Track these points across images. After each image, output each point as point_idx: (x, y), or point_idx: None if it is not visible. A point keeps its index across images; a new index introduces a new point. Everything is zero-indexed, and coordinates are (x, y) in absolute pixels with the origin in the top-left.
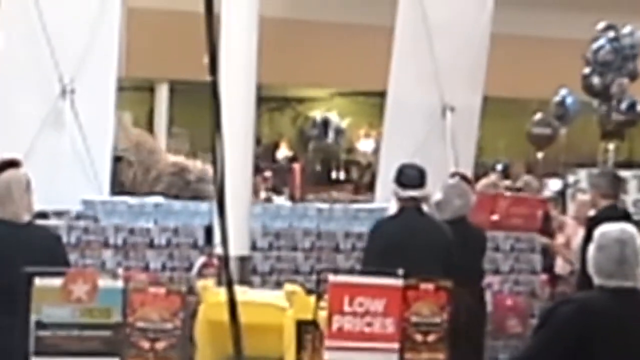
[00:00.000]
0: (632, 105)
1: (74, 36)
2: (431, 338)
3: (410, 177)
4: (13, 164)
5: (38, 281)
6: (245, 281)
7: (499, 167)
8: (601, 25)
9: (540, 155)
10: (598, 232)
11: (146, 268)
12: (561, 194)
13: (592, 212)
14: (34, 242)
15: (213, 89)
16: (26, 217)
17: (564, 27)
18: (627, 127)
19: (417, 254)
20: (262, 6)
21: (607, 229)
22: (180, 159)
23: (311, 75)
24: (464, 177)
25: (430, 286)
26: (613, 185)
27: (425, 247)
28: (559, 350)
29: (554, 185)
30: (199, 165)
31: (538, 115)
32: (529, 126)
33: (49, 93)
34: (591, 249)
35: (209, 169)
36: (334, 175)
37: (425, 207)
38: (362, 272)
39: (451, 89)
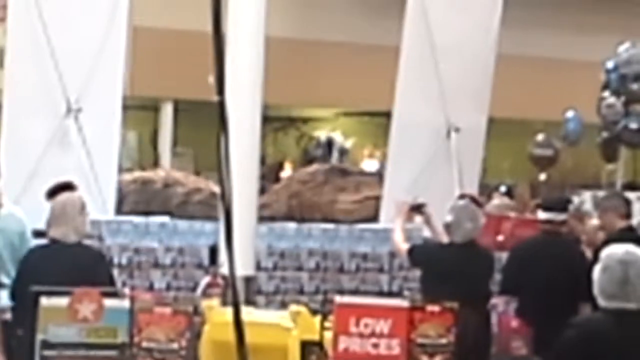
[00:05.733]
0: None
1: (80, 55)
2: (437, 359)
3: None
4: (68, 187)
5: (44, 300)
6: (250, 301)
7: (503, 188)
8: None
9: (542, 176)
10: (604, 253)
11: (151, 287)
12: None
13: (601, 235)
14: (75, 261)
15: (220, 109)
16: (73, 238)
17: (571, 49)
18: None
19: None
20: (268, 26)
21: (613, 250)
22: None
23: (316, 95)
24: (473, 199)
25: (436, 308)
26: (628, 205)
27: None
28: None
29: None
30: (161, 173)
31: (539, 136)
32: (530, 147)
33: (55, 112)
34: (596, 270)
35: (175, 175)
36: None
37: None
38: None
39: (457, 110)
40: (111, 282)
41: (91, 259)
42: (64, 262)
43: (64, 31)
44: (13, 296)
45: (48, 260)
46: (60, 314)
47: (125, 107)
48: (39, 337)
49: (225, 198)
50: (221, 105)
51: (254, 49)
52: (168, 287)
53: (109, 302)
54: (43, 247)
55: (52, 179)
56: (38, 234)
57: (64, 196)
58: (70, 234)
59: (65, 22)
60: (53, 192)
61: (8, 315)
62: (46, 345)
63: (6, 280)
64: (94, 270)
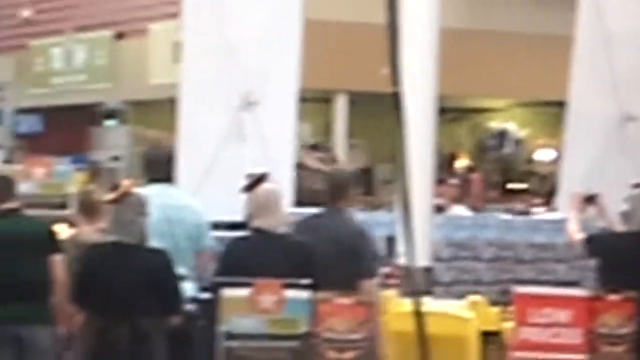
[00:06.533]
0: None
1: (255, 49)
2: (619, 349)
3: None
4: (264, 178)
5: (226, 292)
6: (428, 292)
7: None
8: None
9: None
10: None
11: None
12: None
13: None
14: (286, 252)
15: (396, 100)
16: (281, 228)
17: None
18: None
19: None
20: (441, 17)
21: None
22: None
23: (489, 86)
24: None
25: (616, 297)
26: None
27: None
28: None
29: None
30: None
31: None
32: None
33: (231, 105)
34: None
35: None
36: (512, 185)
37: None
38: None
39: (632, 99)
40: (315, 274)
41: (304, 250)
42: (276, 253)
43: (239, 25)
44: (214, 288)
45: (259, 251)
46: (242, 305)
47: (300, 100)
48: (222, 328)
49: (402, 189)
50: (397, 96)
51: (428, 40)
52: None
53: (290, 293)
54: (248, 238)
55: (229, 172)
56: (216, 225)
57: (266, 187)
58: (278, 224)
59: (239, 16)
60: (251, 185)
61: (190, 307)
62: (230, 336)
63: (186, 272)
64: (307, 261)
